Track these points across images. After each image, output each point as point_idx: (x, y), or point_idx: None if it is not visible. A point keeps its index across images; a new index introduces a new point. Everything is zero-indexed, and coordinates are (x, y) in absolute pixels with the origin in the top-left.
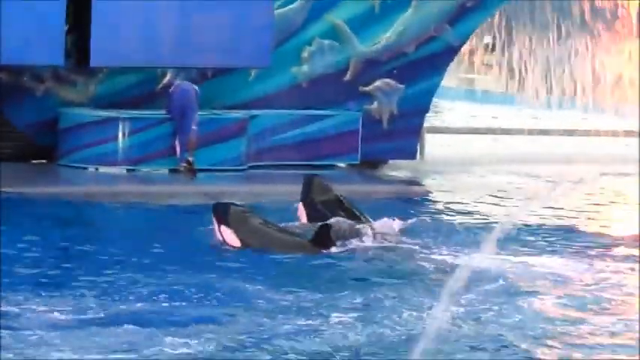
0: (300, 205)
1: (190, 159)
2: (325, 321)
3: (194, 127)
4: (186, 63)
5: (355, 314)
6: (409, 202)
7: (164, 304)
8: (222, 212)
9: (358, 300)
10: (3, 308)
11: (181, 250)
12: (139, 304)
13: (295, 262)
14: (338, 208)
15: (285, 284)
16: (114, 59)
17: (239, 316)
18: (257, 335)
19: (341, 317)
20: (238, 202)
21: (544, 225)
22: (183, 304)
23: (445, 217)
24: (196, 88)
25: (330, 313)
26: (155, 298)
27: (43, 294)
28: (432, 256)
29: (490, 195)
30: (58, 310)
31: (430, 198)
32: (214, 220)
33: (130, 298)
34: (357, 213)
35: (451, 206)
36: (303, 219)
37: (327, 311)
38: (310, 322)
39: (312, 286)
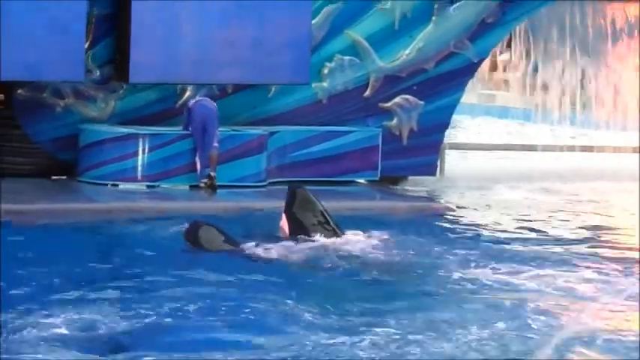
0: (284, 217)
1: (212, 174)
2: None
3: (216, 145)
4: (226, 79)
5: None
6: (428, 218)
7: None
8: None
9: None
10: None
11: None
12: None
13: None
14: (320, 223)
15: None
16: (153, 75)
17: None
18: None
19: None
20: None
21: None
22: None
23: (455, 232)
24: (214, 104)
25: None
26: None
27: (70, 309)
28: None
29: (508, 212)
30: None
31: (448, 214)
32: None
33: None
34: (335, 228)
35: (462, 221)
36: (286, 231)
37: None
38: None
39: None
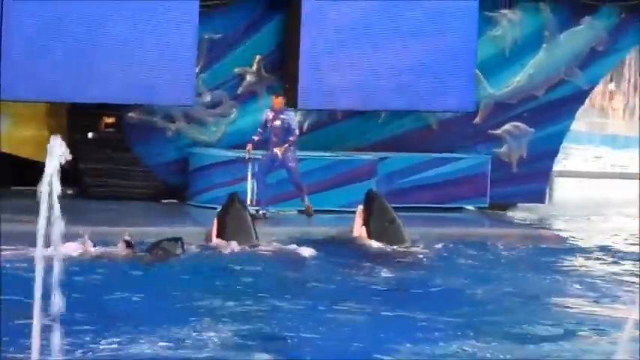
0: (359, 220)
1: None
2: None
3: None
4: (392, 106)
5: None
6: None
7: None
8: None
9: None
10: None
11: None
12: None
13: None
14: (390, 230)
15: None
16: (320, 102)
17: None
18: None
19: None
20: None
21: None
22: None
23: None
24: (291, 115)
25: None
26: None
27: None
28: None
29: (620, 240)
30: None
31: (558, 241)
32: None
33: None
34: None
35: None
36: (364, 234)
37: None
38: None
39: None
